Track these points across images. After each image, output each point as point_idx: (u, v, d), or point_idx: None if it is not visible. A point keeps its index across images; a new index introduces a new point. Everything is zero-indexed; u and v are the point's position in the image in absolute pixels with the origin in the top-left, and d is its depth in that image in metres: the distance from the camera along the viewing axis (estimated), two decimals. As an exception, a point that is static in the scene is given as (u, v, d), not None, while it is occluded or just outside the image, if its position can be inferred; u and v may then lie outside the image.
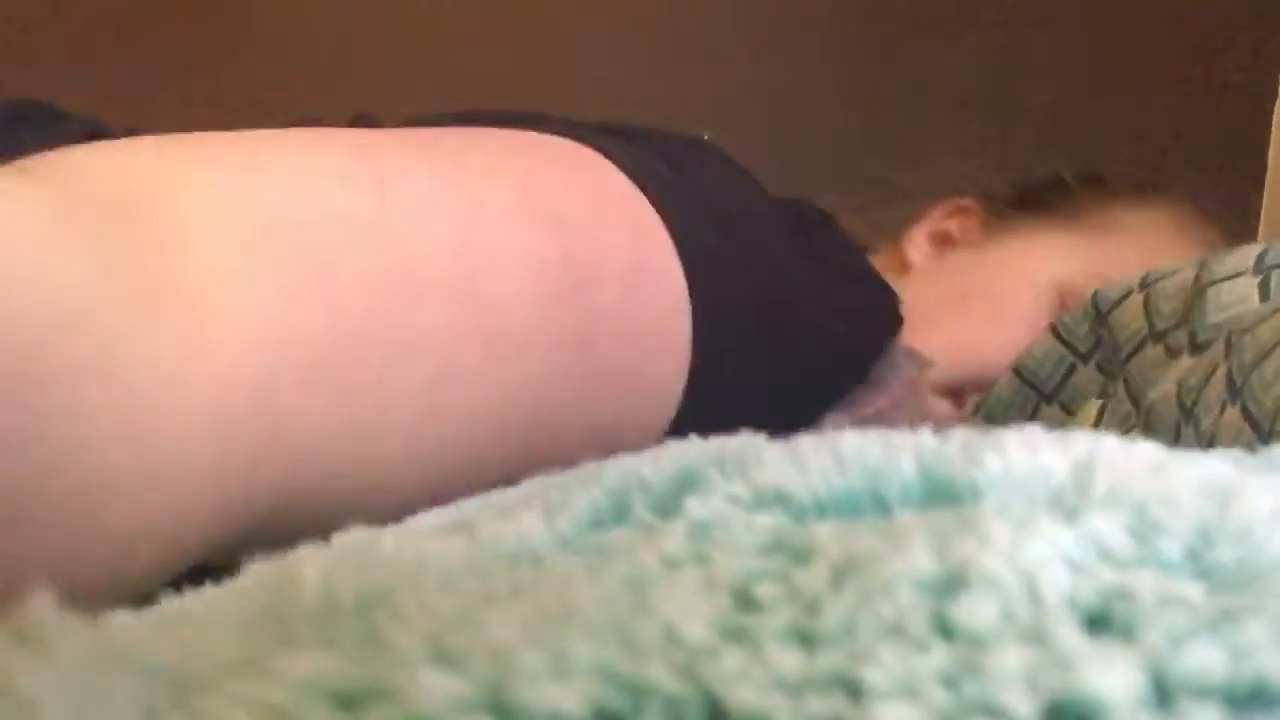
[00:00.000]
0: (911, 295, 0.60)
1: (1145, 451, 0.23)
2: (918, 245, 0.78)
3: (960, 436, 0.23)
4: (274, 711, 0.17)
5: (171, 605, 0.24)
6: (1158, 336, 0.57)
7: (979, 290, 0.72)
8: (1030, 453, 0.22)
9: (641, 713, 0.16)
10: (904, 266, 0.77)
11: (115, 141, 0.36)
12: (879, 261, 0.70)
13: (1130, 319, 0.58)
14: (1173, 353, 0.56)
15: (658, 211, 0.43)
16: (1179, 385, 0.51)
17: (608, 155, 0.44)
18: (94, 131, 0.57)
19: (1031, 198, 0.76)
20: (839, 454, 0.22)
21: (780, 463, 0.23)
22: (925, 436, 0.23)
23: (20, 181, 0.30)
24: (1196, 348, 0.53)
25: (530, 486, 0.26)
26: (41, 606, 0.18)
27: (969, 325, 0.69)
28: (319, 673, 0.18)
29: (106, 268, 0.29)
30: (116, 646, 0.18)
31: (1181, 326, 0.55)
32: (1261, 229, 1.00)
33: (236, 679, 0.18)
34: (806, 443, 0.23)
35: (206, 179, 0.33)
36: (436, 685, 0.17)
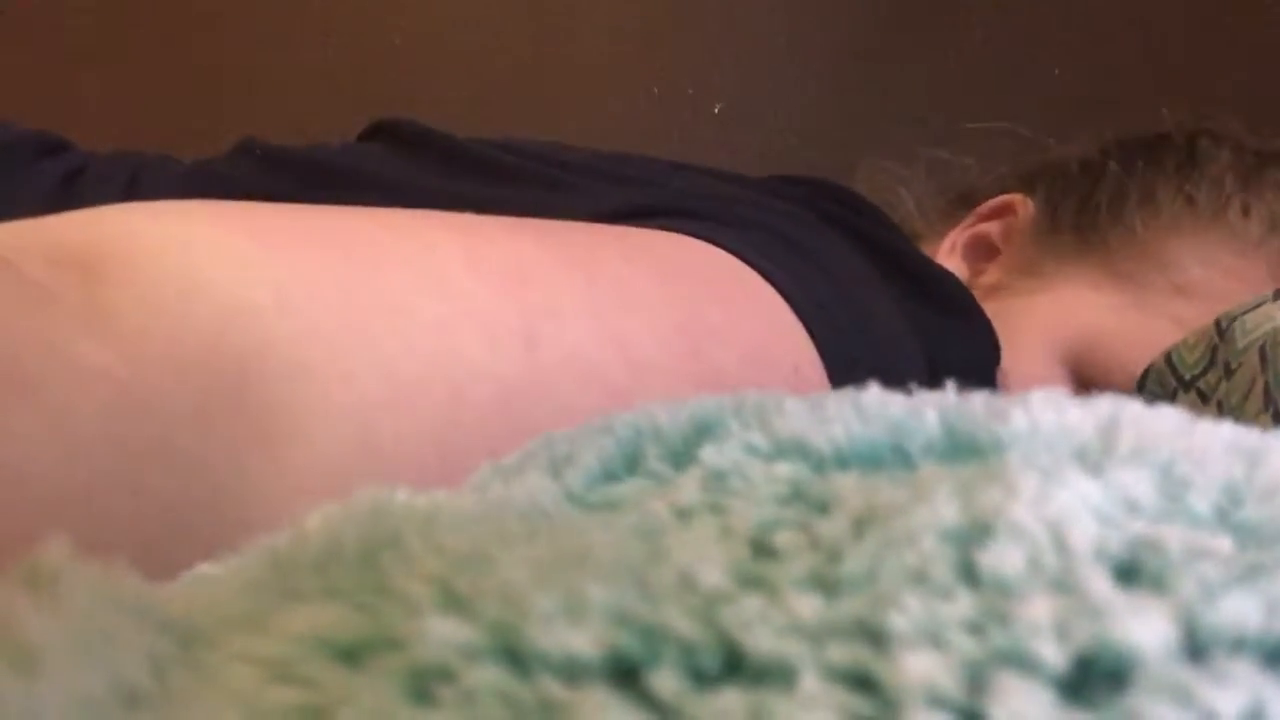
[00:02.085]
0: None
1: (1171, 413, 0.22)
2: (952, 259, 0.67)
3: (983, 395, 0.22)
4: (275, 666, 0.17)
5: (190, 572, 0.23)
6: (1188, 385, 0.56)
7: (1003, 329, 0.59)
8: (1056, 410, 0.21)
9: (657, 657, 0.15)
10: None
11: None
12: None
13: (1155, 385, 0.57)
14: (1204, 396, 0.55)
15: (810, 334, 0.43)
16: (1221, 407, 0.51)
17: (760, 269, 0.43)
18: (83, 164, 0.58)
19: (1088, 211, 0.64)
20: (860, 406, 0.22)
21: (800, 413, 0.22)
22: (949, 393, 0.22)
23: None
24: (1231, 374, 0.53)
25: (534, 444, 0.26)
26: (54, 552, 0.18)
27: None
28: (320, 625, 0.17)
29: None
30: (126, 597, 0.18)
31: (1211, 370, 0.55)
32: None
33: (239, 634, 0.18)
34: (828, 396, 0.23)
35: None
36: (443, 632, 0.16)
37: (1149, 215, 0.63)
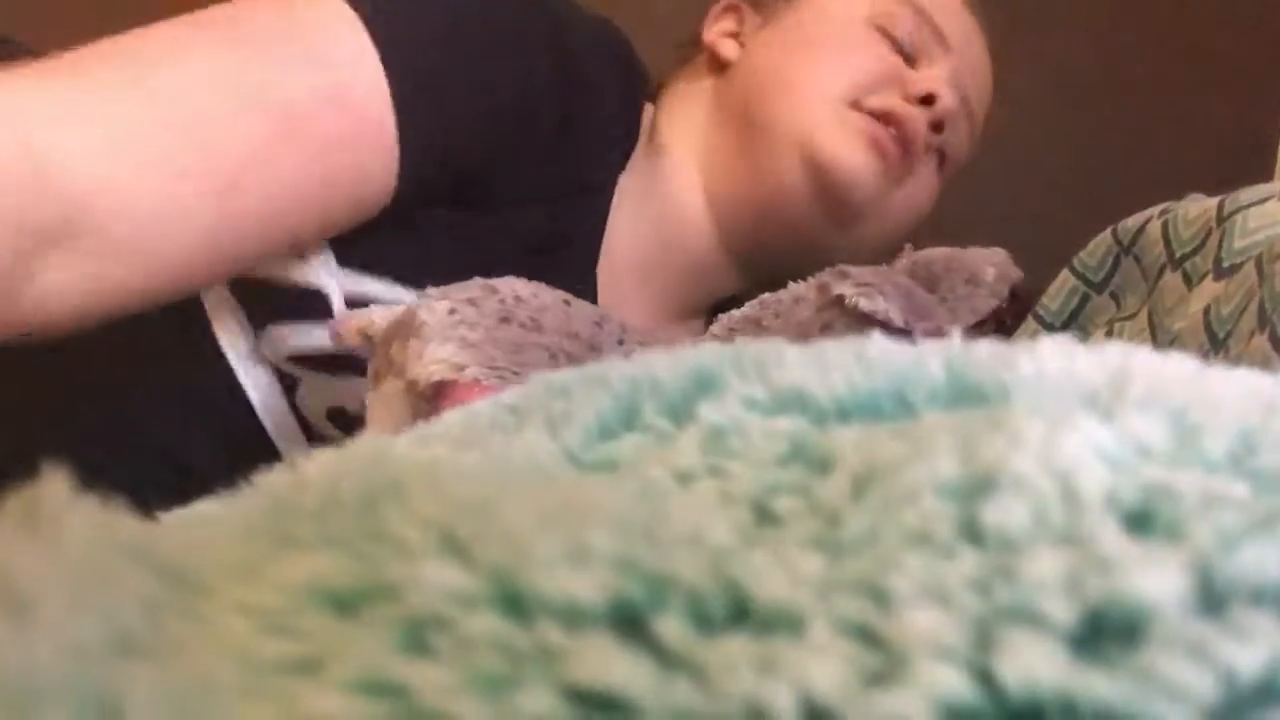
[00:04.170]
0: (751, 81, 0.73)
1: (1182, 361, 0.22)
2: (723, 44, 0.81)
3: (990, 344, 0.22)
4: (269, 616, 0.16)
5: (186, 509, 0.23)
6: (1176, 263, 0.56)
7: (799, 43, 0.77)
8: (1064, 357, 0.21)
9: (663, 605, 0.15)
10: (722, 68, 0.81)
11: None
12: (689, 81, 0.81)
13: (1152, 244, 0.57)
14: (1189, 280, 0.54)
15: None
16: (1209, 314, 0.50)
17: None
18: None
19: None
20: (863, 356, 0.21)
21: (801, 364, 0.22)
22: (954, 341, 0.22)
23: None
24: (1221, 274, 0.51)
25: (529, 394, 0.25)
26: (54, 489, 0.18)
27: (811, 71, 0.75)
28: (315, 575, 0.17)
29: None
30: (125, 538, 0.18)
31: (1199, 252, 0.54)
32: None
33: (235, 583, 0.18)
34: (831, 346, 0.22)
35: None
36: (440, 579, 0.16)
37: None
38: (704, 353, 0.24)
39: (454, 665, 0.15)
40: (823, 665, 0.14)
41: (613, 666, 0.14)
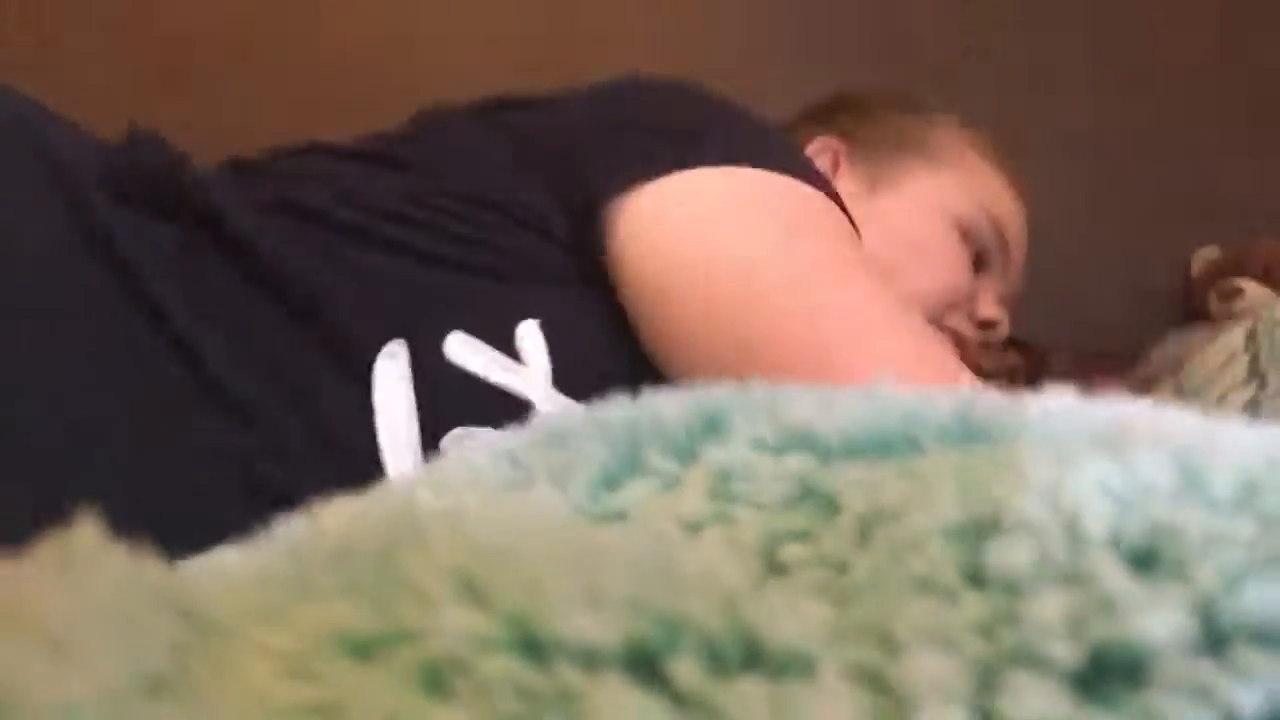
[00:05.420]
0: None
1: (1185, 413, 0.22)
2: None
3: (997, 392, 0.22)
4: (289, 660, 0.17)
5: (211, 556, 0.24)
6: None
7: (904, 241, 0.76)
8: (1071, 403, 0.21)
9: (677, 648, 0.15)
10: None
11: None
12: None
13: None
14: None
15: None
16: None
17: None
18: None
19: (872, 132, 0.81)
20: (872, 396, 0.22)
21: (808, 403, 0.22)
22: (963, 387, 0.22)
23: None
24: None
25: (529, 442, 0.25)
26: (85, 533, 0.18)
27: (913, 277, 0.74)
28: (334, 620, 0.17)
29: None
30: (152, 582, 0.18)
31: None
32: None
33: (256, 627, 0.18)
34: (838, 390, 0.23)
35: None
36: (458, 623, 0.16)
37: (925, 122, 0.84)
38: (710, 394, 0.24)
39: (473, 707, 0.15)
40: (833, 709, 0.14)
41: (628, 709, 0.15)
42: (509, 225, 0.58)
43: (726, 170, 0.58)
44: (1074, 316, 0.95)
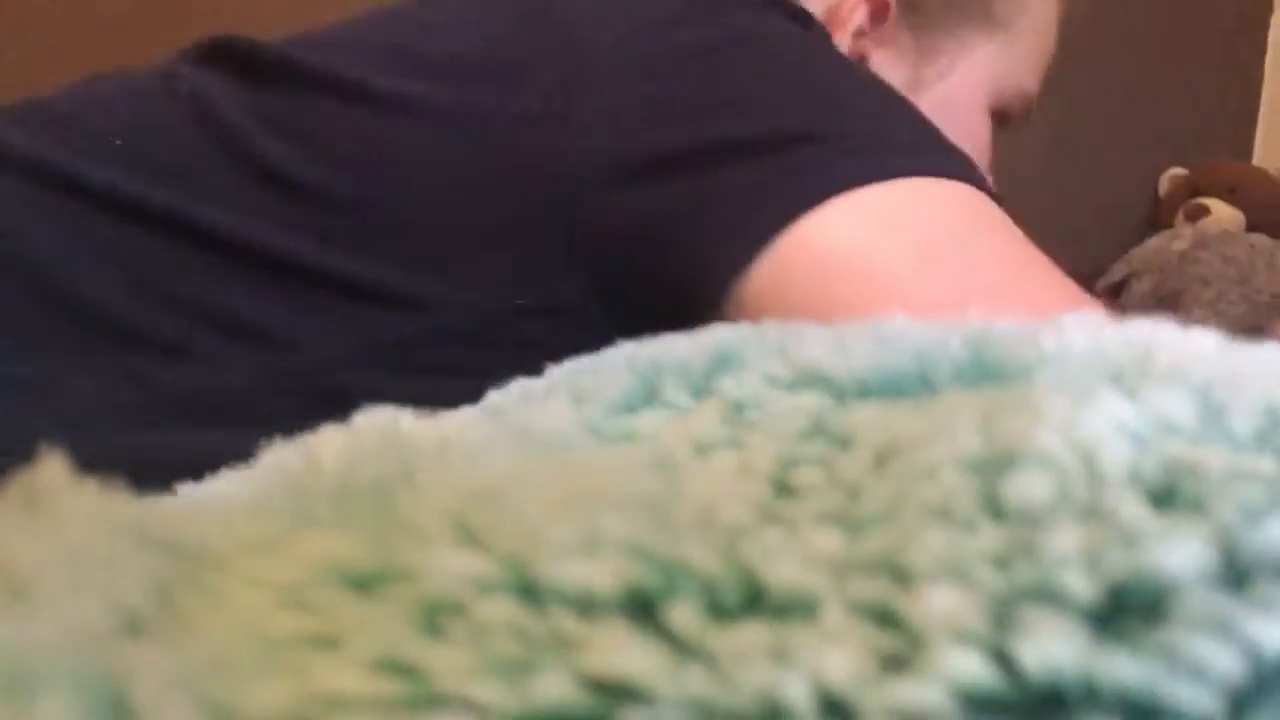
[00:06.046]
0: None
1: (1208, 338, 0.21)
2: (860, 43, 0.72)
3: (1012, 323, 0.22)
4: (286, 591, 0.16)
5: (195, 488, 0.23)
6: None
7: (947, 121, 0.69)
8: (1088, 334, 0.20)
9: (675, 592, 0.15)
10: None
11: None
12: None
13: None
14: None
15: None
16: None
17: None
18: None
19: None
20: (883, 336, 0.21)
21: (822, 343, 0.21)
22: (974, 319, 0.22)
23: None
24: None
25: (558, 374, 0.25)
26: (52, 473, 0.17)
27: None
28: (333, 553, 0.17)
29: None
30: (129, 520, 0.18)
31: None
32: None
33: (251, 558, 0.17)
34: (849, 327, 0.22)
35: None
36: (455, 565, 0.16)
37: None
38: (725, 333, 0.24)
39: (470, 649, 0.14)
40: (837, 653, 0.14)
41: (626, 655, 0.14)
42: None
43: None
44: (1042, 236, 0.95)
